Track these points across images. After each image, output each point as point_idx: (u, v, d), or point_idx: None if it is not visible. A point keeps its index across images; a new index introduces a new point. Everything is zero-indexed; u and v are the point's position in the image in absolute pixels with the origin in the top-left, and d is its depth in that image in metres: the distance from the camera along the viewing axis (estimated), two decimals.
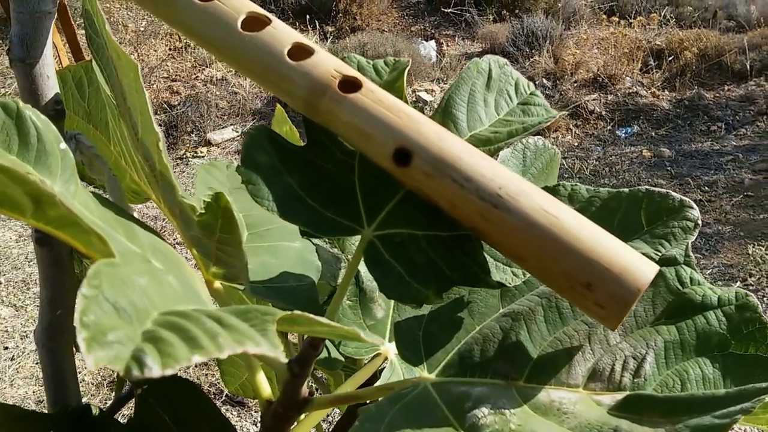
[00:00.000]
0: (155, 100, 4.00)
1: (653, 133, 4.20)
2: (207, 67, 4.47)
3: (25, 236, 2.93)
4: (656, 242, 0.39)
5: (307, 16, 4.96)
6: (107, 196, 0.48)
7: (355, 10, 5.27)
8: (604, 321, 0.34)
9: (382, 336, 0.48)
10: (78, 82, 0.55)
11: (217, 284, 0.43)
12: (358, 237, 0.39)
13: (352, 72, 0.40)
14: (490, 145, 0.40)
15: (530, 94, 0.44)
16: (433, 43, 5.10)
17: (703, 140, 4.05)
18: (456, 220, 0.37)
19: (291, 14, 5.18)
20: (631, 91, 4.70)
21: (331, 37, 4.93)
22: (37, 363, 2.11)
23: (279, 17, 0.45)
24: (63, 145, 0.32)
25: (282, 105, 0.70)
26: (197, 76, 4.39)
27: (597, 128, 4.25)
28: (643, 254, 0.37)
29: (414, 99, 4.10)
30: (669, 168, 3.68)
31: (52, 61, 0.48)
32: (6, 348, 2.18)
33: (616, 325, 0.34)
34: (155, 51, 4.63)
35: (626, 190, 0.42)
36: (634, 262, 0.34)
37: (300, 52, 0.41)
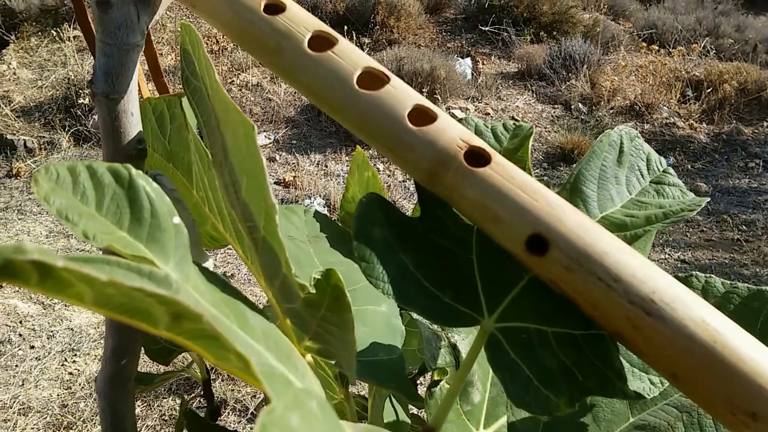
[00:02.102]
0: None
1: (689, 166, 4.12)
2: (243, 72, 4.47)
3: (55, 232, 2.92)
4: None
5: (345, 27, 4.95)
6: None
7: (392, 23, 5.25)
8: None
9: (477, 422, 0.44)
10: (159, 116, 0.52)
11: (309, 358, 0.40)
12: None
13: (479, 142, 0.36)
14: (626, 230, 0.36)
15: (663, 171, 0.40)
16: (469, 60, 5.07)
17: (740, 177, 3.96)
18: (594, 321, 0.33)
19: (328, 24, 5.17)
20: (668, 121, 4.62)
21: (367, 49, 4.91)
22: (62, 364, 2.09)
23: None
24: (176, 219, 0.29)
25: (359, 143, 0.66)
26: (233, 81, 4.40)
27: None
28: None
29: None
30: (706, 204, 3.60)
31: (137, 96, 0.45)
32: (32, 347, 2.16)
33: None
34: None
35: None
36: None
37: (421, 115, 0.37)
